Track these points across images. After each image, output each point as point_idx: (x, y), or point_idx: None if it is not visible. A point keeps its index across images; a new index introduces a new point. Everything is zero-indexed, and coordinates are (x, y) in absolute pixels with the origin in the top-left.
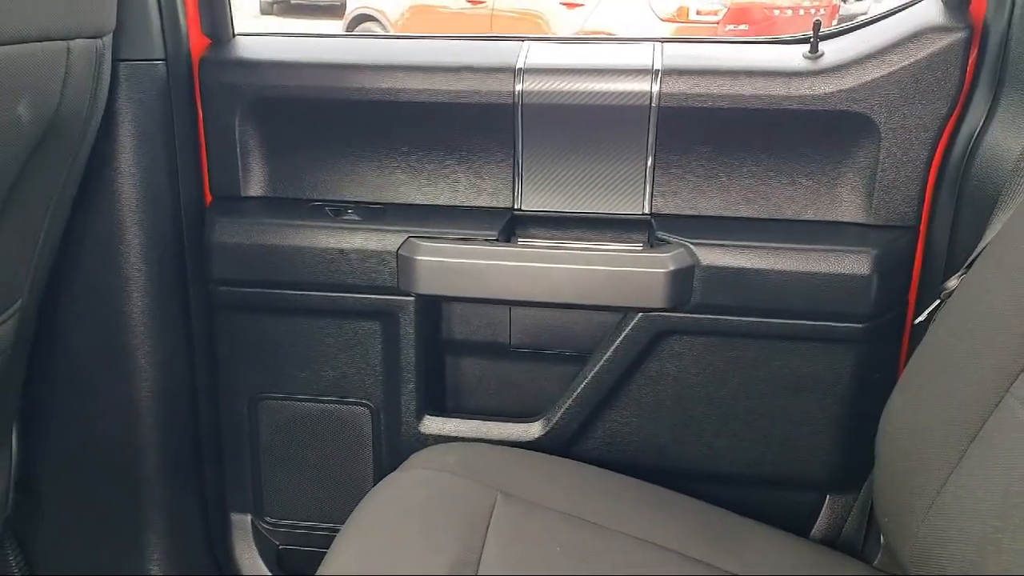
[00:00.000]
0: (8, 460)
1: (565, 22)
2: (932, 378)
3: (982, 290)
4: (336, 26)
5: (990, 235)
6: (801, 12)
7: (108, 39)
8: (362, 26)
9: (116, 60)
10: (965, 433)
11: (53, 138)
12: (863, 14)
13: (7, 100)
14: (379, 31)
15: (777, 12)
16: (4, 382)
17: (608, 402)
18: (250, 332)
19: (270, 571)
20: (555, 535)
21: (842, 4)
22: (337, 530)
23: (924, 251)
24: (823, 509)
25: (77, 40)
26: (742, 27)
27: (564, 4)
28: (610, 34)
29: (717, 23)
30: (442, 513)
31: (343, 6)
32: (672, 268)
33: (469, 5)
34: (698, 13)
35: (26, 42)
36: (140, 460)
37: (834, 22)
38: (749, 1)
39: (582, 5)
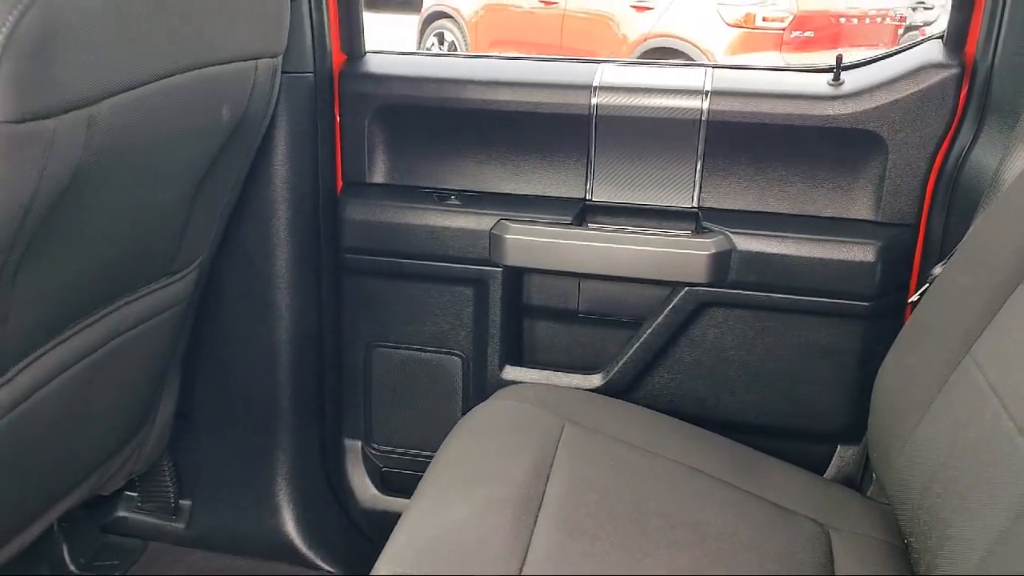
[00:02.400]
0: (175, 391)
1: (635, 25)
2: (914, 343)
3: (956, 274)
4: (412, 21)
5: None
6: (867, 21)
7: (280, 58)
8: (437, 23)
9: (281, 73)
10: (934, 385)
11: (239, 134)
12: (931, 23)
13: (217, 105)
14: (453, 28)
15: (843, 20)
16: (181, 325)
17: (656, 361)
18: (369, 292)
19: (375, 487)
20: (610, 453)
21: (911, 13)
22: (430, 457)
23: (923, 245)
24: (834, 457)
25: (262, 59)
26: (807, 34)
27: (634, 7)
28: (677, 37)
29: (783, 30)
30: (522, 432)
31: (419, 2)
32: (713, 251)
33: (541, 5)
34: (764, 20)
35: (231, 62)
36: (275, 393)
37: (901, 31)
38: (816, 9)
39: (651, 8)
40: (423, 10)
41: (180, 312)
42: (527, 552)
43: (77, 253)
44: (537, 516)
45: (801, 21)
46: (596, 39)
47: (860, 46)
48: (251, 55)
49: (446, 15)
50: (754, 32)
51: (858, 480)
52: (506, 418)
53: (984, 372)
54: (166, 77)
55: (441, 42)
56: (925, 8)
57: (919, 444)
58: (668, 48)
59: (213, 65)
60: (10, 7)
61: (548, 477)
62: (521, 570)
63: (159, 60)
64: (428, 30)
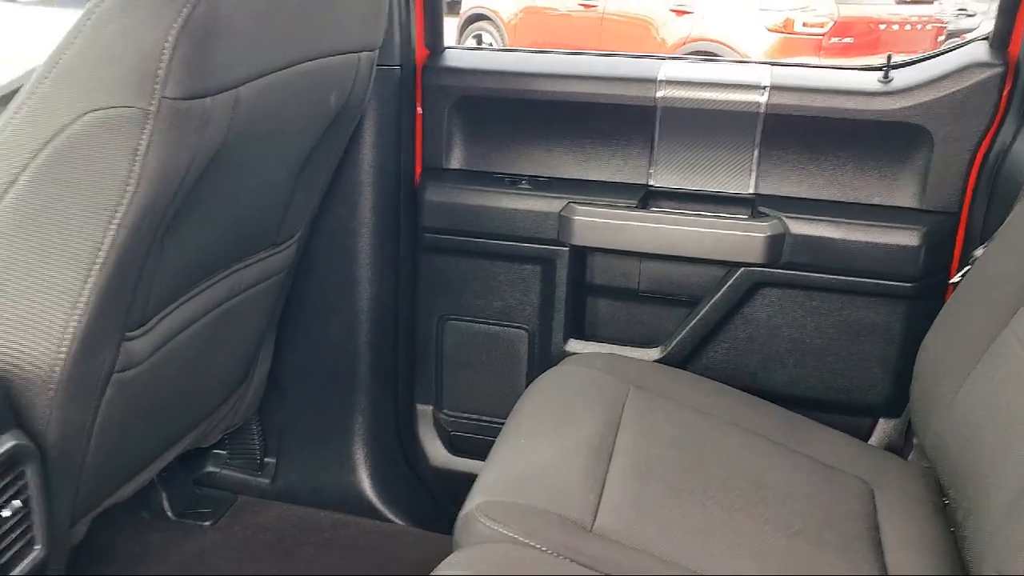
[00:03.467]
0: (270, 353)
1: (673, 29)
2: (956, 318)
3: (996, 256)
4: (451, 23)
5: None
6: (908, 28)
7: (376, 52)
8: (475, 24)
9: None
10: (973, 357)
11: (339, 120)
12: (972, 30)
13: (325, 92)
14: (492, 30)
15: (883, 27)
16: (279, 293)
17: (712, 336)
18: (443, 269)
19: (444, 449)
20: (673, 415)
21: (952, 19)
22: (495, 422)
23: (965, 231)
24: (876, 429)
25: (363, 53)
26: (847, 40)
27: (673, 11)
28: (716, 41)
29: (822, 35)
30: (591, 393)
31: (459, 4)
32: (769, 234)
33: (580, 8)
34: (804, 25)
35: (339, 55)
36: (355, 360)
37: (941, 38)
38: (857, 15)
39: (691, 13)
40: (462, 12)
41: (279, 281)
42: (603, 490)
43: (208, 222)
44: (610, 462)
45: (841, 27)
46: (635, 42)
47: (900, 53)
48: (356, 48)
49: (485, 17)
50: (793, 37)
51: (899, 450)
52: (576, 381)
53: (1021, 341)
54: (292, 66)
55: (479, 43)
56: (967, 15)
57: (959, 408)
58: (707, 52)
59: (328, 56)
60: (184, 1)
61: (617, 431)
62: (599, 505)
63: (289, 50)
64: (467, 32)
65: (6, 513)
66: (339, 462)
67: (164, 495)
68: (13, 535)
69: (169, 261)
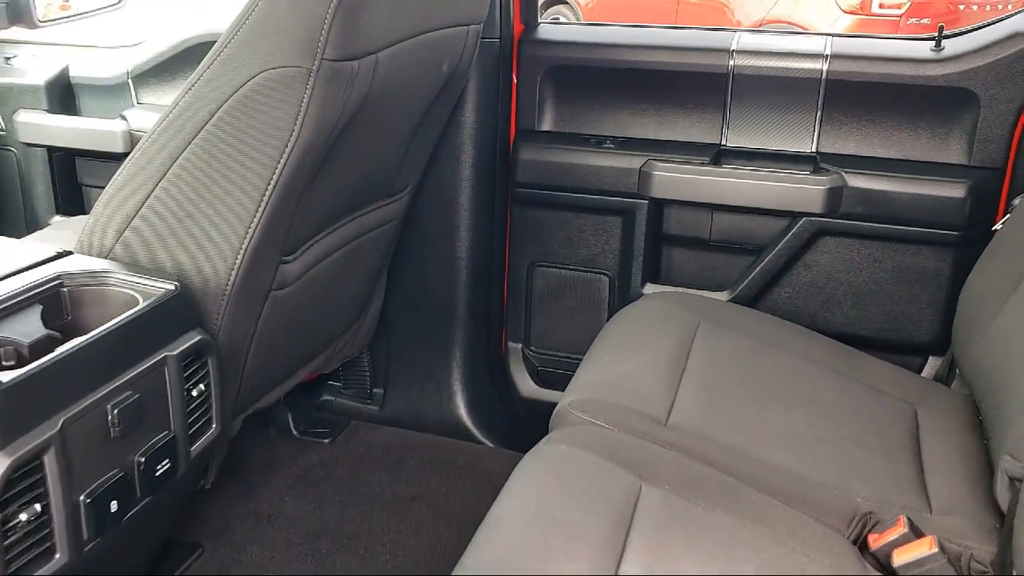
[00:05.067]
0: (382, 292)
1: (749, 11)
2: (995, 259)
3: None
4: None
5: None
6: (988, 8)
7: (482, 25)
8: (553, 8)
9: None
10: (1009, 288)
11: (448, 86)
12: None
13: (440, 60)
14: (569, 13)
15: (962, 7)
16: (391, 241)
17: (775, 281)
18: (534, 220)
19: (532, 382)
20: (738, 342)
21: None
22: (578, 357)
23: (1009, 185)
24: (925, 367)
25: (471, 26)
26: (924, 21)
27: None
28: (792, 23)
29: (900, 16)
30: (667, 323)
31: None
32: (828, 187)
33: None
34: (881, 6)
35: (453, 27)
36: (454, 299)
37: None
38: None
39: None
40: None
41: (392, 228)
42: (676, 396)
43: (343, 169)
44: (682, 376)
45: (919, 7)
46: (711, 24)
47: None
48: (466, 22)
49: (563, 1)
50: (870, 18)
51: (944, 381)
52: (653, 314)
53: None
54: (418, 35)
55: None
56: None
57: (993, 335)
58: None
59: (445, 28)
60: None
61: (688, 353)
62: (672, 406)
63: (416, 22)
64: (545, 15)
65: (195, 393)
66: (439, 392)
67: (290, 415)
68: (199, 412)
69: (314, 200)
